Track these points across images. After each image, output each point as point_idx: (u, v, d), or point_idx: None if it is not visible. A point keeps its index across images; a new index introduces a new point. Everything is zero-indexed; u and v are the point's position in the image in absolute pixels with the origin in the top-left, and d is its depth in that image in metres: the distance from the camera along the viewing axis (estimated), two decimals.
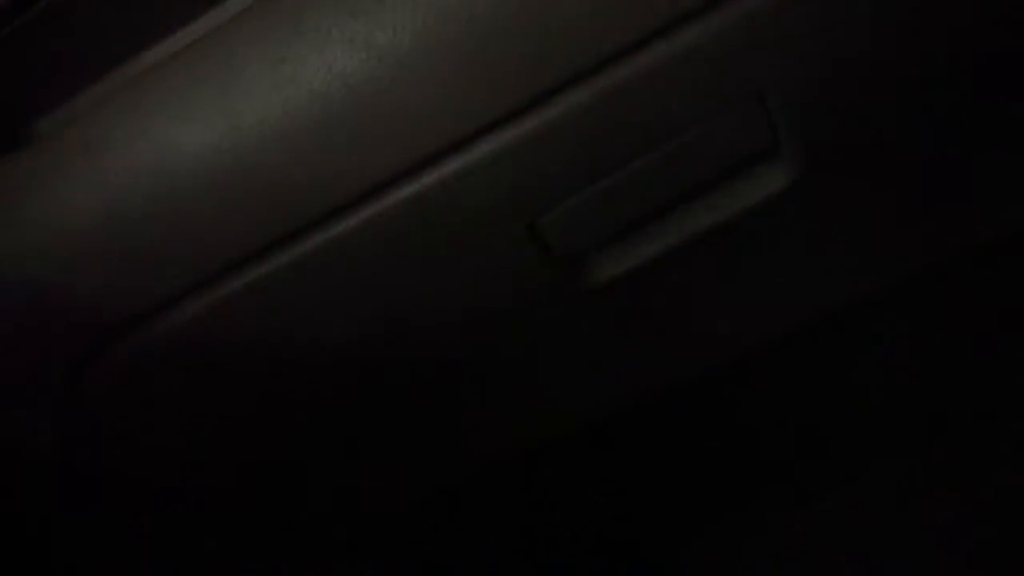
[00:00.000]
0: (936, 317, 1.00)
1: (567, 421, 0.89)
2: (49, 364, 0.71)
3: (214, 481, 0.81)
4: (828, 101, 0.68)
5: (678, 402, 0.97)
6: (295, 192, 0.65)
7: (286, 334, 0.72)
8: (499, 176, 0.67)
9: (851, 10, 0.63)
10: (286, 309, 0.70)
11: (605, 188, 0.71)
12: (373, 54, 0.60)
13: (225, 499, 0.86)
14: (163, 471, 0.79)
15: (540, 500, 1.08)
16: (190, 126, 0.63)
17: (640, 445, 1.04)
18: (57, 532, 0.85)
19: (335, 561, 0.99)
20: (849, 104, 0.69)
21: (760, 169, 0.73)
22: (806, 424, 1.08)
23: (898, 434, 1.10)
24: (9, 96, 0.69)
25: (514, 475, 1.01)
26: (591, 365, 0.83)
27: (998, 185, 0.78)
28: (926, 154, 0.74)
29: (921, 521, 1.09)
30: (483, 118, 0.63)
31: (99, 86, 0.69)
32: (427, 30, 0.60)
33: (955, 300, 0.98)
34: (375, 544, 0.99)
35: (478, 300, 0.75)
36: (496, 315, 0.77)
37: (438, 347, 0.77)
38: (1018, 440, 1.08)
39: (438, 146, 0.64)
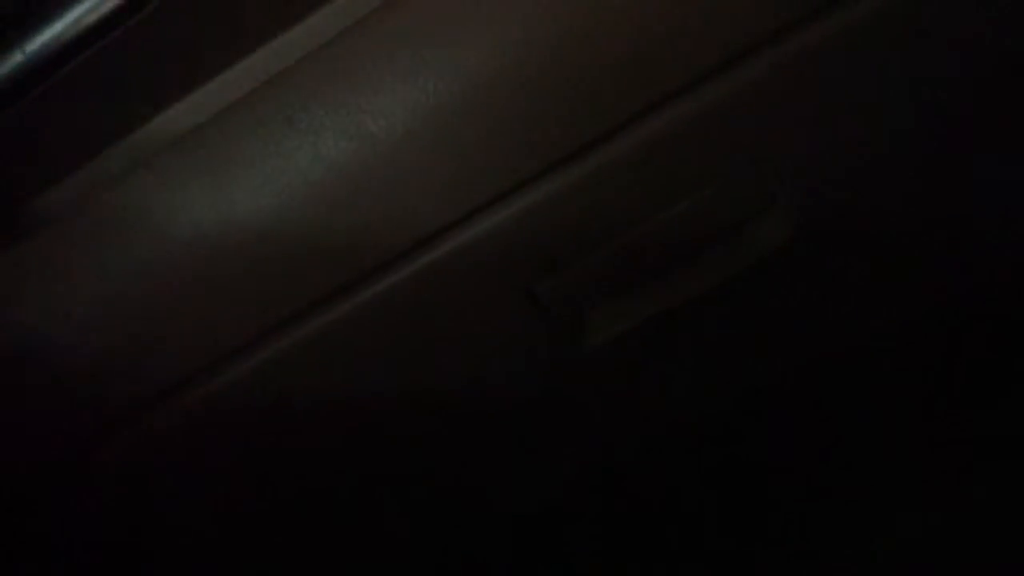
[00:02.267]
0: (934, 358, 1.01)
1: (573, 479, 0.89)
2: (67, 438, 0.71)
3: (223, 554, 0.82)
4: (824, 166, 0.69)
5: (678, 452, 0.97)
6: (292, 276, 0.66)
7: (294, 409, 0.73)
8: (496, 248, 0.68)
9: (845, 84, 0.63)
10: (292, 386, 0.71)
11: (601, 254, 0.72)
12: (365, 143, 0.60)
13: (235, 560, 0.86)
14: (171, 544, 0.80)
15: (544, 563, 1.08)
16: (185, 214, 0.63)
17: (644, 498, 1.05)
18: None
19: None
20: (845, 170, 0.69)
21: (758, 230, 0.74)
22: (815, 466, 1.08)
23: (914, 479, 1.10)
24: (7, 182, 0.69)
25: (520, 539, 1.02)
26: (594, 423, 0.84)
27: (994, 239, 0.78)
28: (921, 211, 0.75)
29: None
30: (475, 200, 0.64)
31: (92, 168, 0.69)
32: (416, 119, 0.60)
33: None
34: None
35: (480, 365, 0.76)
36: (498, 378, 0.77)
37: (444, 414, 0.77)
38: None
39: (432, 227, 0.65)
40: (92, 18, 0.61)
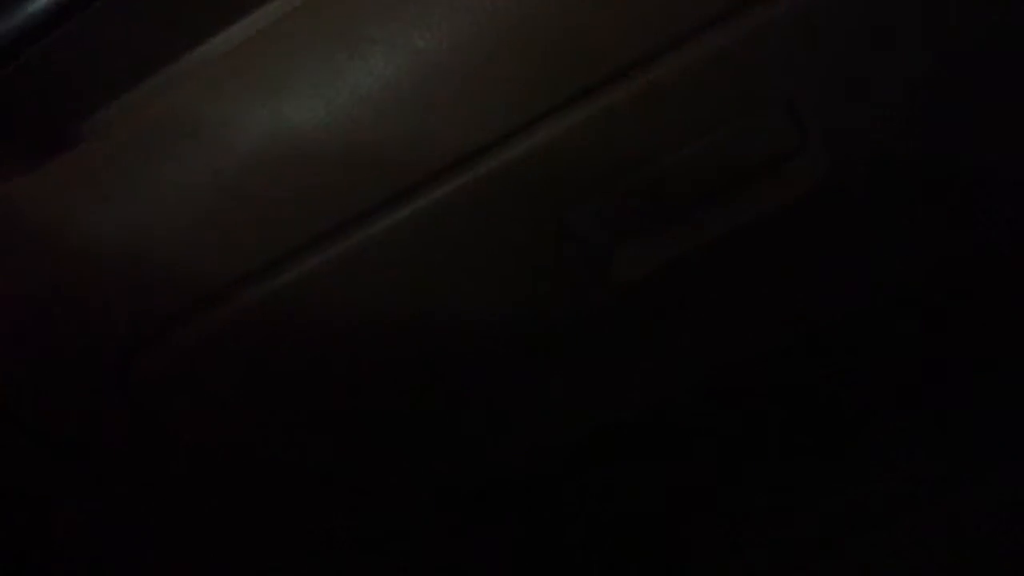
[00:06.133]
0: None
1: (598, 418, 0.92)
2: (105, 350, 0.74)
3: (254, 470, 0.85)
4: (854, 103, 0.71)
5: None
6: (337, 190, 0.68)
7: (333, 325, 0.75)
8: (532, 173, 0.70)
9: (873, 18, 0.65)
10: (331, 300, 0.74)
11: (634, 185, 0.74)
12: (412, 58, 0.63)
13: (251, 491, 0.89)
14: (204, 460, 0.83)
15: (552, 506, 1.10)
16: (237, 125, 0.66)
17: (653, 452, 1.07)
18: (84, 518, 0.88)
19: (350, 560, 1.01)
20: (875, 105, 0.71)
21: (789, 168, 0.76)
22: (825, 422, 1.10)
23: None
24: (60, 95, 0.71)
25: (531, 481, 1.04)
26: (621, 361, 0.86)
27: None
28: (950, 153, 0.77)
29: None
30: (517, 118, 0.66)
31: (152, 81, 0.72)
32: (464, 34, 0.63)
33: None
34: (391, 543, 1.02)
35: (512, 294, 0.78)
36: (530, 308, 0.80)
37: (474, 342, 0.80)
38: None
39: (473, 145, 0.67)
40: None
